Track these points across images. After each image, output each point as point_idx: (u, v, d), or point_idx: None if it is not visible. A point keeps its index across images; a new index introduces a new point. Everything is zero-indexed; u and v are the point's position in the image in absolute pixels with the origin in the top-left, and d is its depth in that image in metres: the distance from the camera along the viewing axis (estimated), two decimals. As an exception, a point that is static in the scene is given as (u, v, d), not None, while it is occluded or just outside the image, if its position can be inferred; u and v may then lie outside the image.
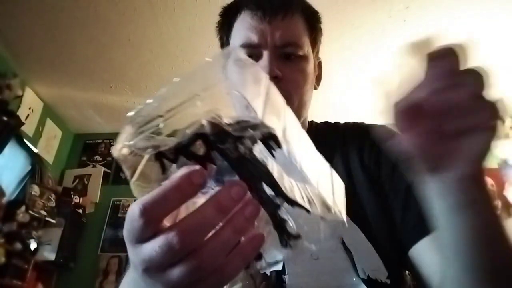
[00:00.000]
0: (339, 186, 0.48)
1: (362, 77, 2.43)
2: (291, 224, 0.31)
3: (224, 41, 0.70)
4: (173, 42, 2.12)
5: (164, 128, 0.28)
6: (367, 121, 0.73)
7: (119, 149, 0.29)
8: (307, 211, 0.30)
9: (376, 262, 0.51)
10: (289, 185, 0.30)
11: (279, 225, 0.31)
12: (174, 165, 0.29)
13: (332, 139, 0.68)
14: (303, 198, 0.31)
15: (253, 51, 0.62)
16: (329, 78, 2.37)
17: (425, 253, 0.49)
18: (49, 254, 2.23)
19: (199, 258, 0.26)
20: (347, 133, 0.69)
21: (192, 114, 0.28)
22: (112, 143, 2.94)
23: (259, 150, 0.29)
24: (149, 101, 0.30)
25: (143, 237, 0.27)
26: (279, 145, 0.29)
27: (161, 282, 0.28)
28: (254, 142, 0.28)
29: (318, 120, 0.78)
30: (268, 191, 0.30)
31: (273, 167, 0.30)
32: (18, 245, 1.98)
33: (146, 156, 0.29)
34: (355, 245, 0.52)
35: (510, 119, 2.58)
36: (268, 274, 0.50)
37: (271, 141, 0.29)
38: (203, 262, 0.26)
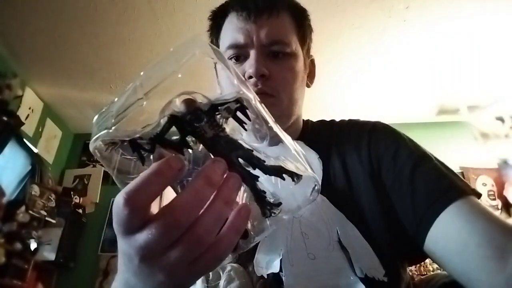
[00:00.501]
0: (315, 161, 0.49)
1: (362, 77, 2.43)
2: (269, 194, 0.32)
3: (214, 43, 0.70)
4: (173, 42, 2.12)
5: (146, 107, 0.28)
6: (368, 119, 0.72)
7: (93, 144, 0.30)
8: (283, 178, 0.31)
9: (373, 260, 0.50)
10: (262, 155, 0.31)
11: (260, 196, 0.31)
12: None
13: (328, 137, 0.67)
14: (278, 165, 0.32)
15: (240, 52, 0.62)
16: (329, 78, 2.38)
17: (452, 222, 0.46)
18: (49, 254, 2.23)
19: (196, 234, 0.26)
20: (343, 130, 0.68)
21: (172, 90, 0.28)
22: (112, 143, 2.97)
23: (231, 127, 0.30)
24: (120, 93, 0.31)
25: (132, 226, 0.27)
26: (249, 118, 0.30)
27: (160, 267, 0.27)
28: (226, 119, 0.30)
29: (317, 119, 0.78)
30: (244, 164, 0.31)
31: (244, 142, 0.31)
32: (18, 245, 1.98)
33: (119, 151, 0.29)
34: (351, 244, 0.51)
35: (510, 119, 2.58)
36: (266, 276, 0.50)
37: (241, 113, 0.30)
38: (200, 237, 0.26)
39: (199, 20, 1.94)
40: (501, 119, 2.61)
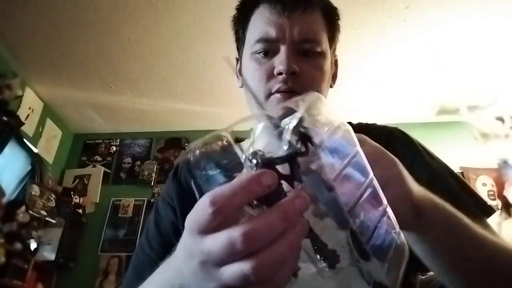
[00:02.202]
0: None
1: (362, 77, 2.43)
2: (328, 247, 0.31)
3: (240, 35, 0.68)
4: (173, 42, 2.12)
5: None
6: (367, 121, 0.72)
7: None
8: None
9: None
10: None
11: (319, 247, 0.30)
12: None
13: None
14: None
15: (271, 46, 0.60)
16: (329, 78, 2.38)
17: None
18: (49, 254, 2.24)
19: (255, 263, 0.26)
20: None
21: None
22: (112, 143, 2.97)
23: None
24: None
25: (208, 227, 0.27)
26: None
27: (212, 277, 0.28)
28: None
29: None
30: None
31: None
32: (18, 245, 1.98)
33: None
34: None
35: (510, 119, 2.58)
36: None
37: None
38: (257, 268, 0.26)
39: (199, 20, 1.94)
40: (501, 119, 2.61)
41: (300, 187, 0.29)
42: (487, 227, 0.50)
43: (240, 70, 0.68)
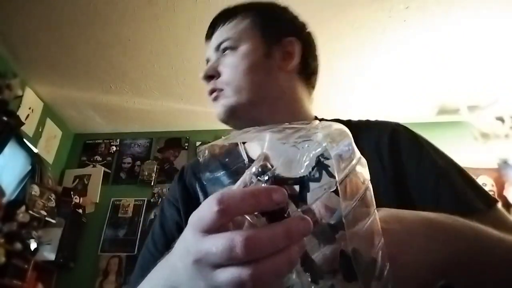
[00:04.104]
0: None
1: (362, 77, 2.43)
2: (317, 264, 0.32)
3: None
4: (173, 42, 2.12)
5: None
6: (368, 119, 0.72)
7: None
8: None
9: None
10: None
11: (310, 265, 0.32)
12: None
13: None
14: None
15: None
16: (329, 78, 2.38)
17: None
18: (49, 254, 2.24)
19: (255, 271, 0.26)
20: (362, 131, 0.63)
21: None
22: (112, 143, 2.97)
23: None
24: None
25: (212, 225, 0.28)
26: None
27: (204, 278, 0.28)
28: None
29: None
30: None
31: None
32: (18, 245, 1.98)
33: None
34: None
35: (510, 119, 2.58)
36: None
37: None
38: (256, 276, 0.26)
39: (199, 20, 1.94)
40: (501, 119, 2.61)
41: (304, 209, 0.31)
42: (496, 218, 0.51)
43: None
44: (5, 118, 1.99)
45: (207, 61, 0.70)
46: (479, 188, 0.56)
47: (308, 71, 0.73)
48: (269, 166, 0.30)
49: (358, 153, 0.32)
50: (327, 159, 0.30)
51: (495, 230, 0.43)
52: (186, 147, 2.93)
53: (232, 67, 0.65)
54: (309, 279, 0.31)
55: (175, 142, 2.97)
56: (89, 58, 2.24)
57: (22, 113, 2.28)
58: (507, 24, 2.01)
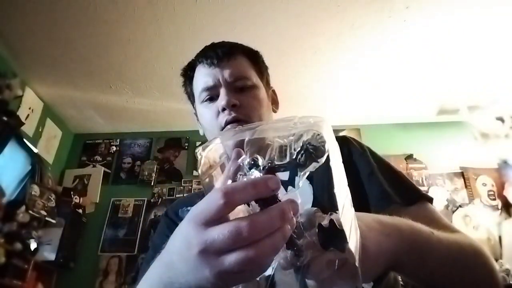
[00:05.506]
0: (306, 188, 0.62)
1: (362, 77, 2.43)
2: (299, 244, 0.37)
3: (189, 92, 0.84)
4: (173, 42, 2.12)
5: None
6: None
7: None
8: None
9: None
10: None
11: (293, 243, 0.36)
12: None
13: None
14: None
15: (212, 92, 0.74)
16: (329, 78, 2.38)
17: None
18: (49, 254, 2.23)
19: (259, 249, 0.30)
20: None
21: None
22: (112, 143, 2.97)
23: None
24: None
25: (217, 217, 0.32)
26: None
27: (211, 266, 0.31)
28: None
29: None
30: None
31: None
32: (18, 245, 1.98)
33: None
34: None
35: (510, 119, 2.58)
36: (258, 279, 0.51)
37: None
38: (260, 253, 0.30)
39: (199, 20, 1.94)
40: (501, 119, 2.62)
41: (293, 192, 0.36)
42: (426, 211, 0.61)
43: (198, 120, 0.83)
44: (5, 118, 1.99)
45: (207, 88, 0.74)
46: (409, 184, 0.67)
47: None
48: (259, 158, 0.35)
49: (331, 140, 0.37)
50: (313, 145, 0.34)
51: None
52: (186, 147, 2.93)
53: (254, 104, 0.74)
54: (292, 253, 0.36)
55: (175, 142, 2.97)
56: (89, 58, 2.24)
57: (22, 113, 2.28)
58: (507, 24, 2.01)
